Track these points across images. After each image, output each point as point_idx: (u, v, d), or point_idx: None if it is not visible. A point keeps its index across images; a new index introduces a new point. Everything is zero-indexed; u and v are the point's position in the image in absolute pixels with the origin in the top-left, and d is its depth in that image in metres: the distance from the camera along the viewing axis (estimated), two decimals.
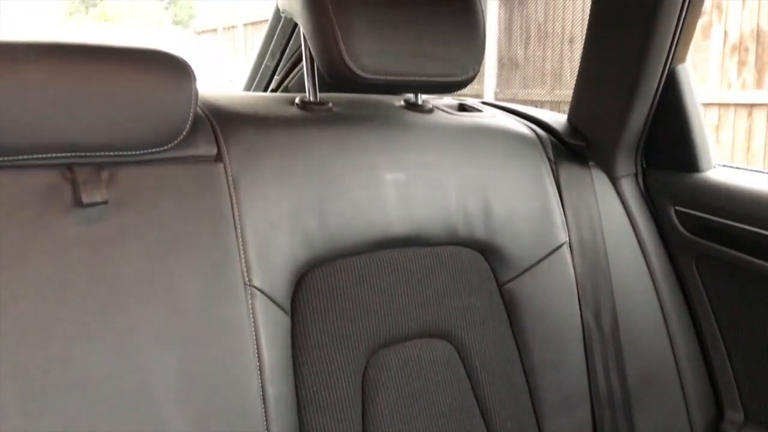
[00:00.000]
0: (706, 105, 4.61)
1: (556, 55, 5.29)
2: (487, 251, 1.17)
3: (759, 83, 4.39)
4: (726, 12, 4.48)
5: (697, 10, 1.14)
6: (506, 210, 1.17)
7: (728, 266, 1.17)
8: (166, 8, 21.24)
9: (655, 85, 1.19)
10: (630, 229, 1.26)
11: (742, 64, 4.45)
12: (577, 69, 1.30)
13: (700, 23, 4.55)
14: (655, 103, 1.21)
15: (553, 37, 5.27)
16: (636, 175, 1.29)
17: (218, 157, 0.98)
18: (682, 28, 1.13)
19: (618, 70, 1.19)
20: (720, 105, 4.56)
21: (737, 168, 1.25)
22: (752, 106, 4.42)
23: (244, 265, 0.94)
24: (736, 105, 4.49)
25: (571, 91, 1.32)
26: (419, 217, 1.11)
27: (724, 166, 1.25)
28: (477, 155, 1.18)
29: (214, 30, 11.64)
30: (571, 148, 1.29)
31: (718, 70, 4.55)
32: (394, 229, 1.09)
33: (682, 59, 1.19)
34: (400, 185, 1.10)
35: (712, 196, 1.18)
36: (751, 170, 1.24)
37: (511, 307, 1.18)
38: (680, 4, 1.09)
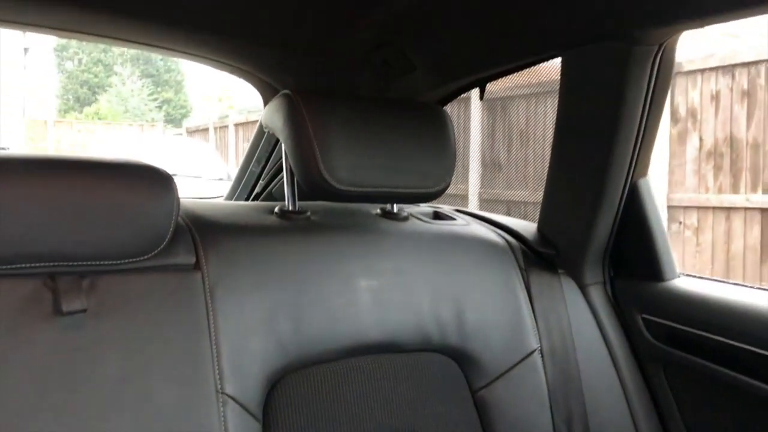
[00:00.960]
0: (686, 208, 4.70)
1: (537, 158, 5.38)
2: (461, 358, 1.19)
3: (735, 188, 4.49)
4: (700, 120, 4.62)
5: (654, 128, 1.21)
6: (479, 317, 1.20)
7: (695, 374, 1.19)
8: (159, 107, 21.69)
9: (618, 198, 1.24)
10: (599, 336, 1.29)
11: (718, 169, 4.56)
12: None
13: (677, 130, 4.68)
14: (620, 214, 1.27)
15: (534, 141, 5.38)
16: (604, 284, 1.33)
17: (197, 266, 1.01)
18: (641, 144, 1.20)
19: (583, 183, 1.25)
20: (699, 208, 4.64)
21: (701, 278, 1.29)
22: (730, 209, 4.50)
23: (217, 372, 0.95)
24: (714, 208, 4.57)
25: (535, 191, 1.37)
26: (393, 324, 1.13)
27: (688, 275, 1.30)
28: (450, 263, 1.22)
29: (206, 129, 11.89)
30: (541, 256, 1.33)
31: (695, 174, 4.66)
32: (369, 335, 1.11)
33: (644, 174, 1.25)
34: (374, 292, 1.13)
35: (678, 305, 1.22)
36: (715, 280, 1.29)
37: (483, 414, 1.19)
38: (638, 122, 1.16)
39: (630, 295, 1.30)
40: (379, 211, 1.30)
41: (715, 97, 4.55)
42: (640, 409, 1.26)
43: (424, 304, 1.16)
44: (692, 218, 4.70)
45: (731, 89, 4.46)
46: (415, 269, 1.18)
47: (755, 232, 4.41)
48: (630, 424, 1.25)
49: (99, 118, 18.29)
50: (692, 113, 4.65)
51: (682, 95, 4.72)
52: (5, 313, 0.87)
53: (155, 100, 21.58)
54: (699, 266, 4.68)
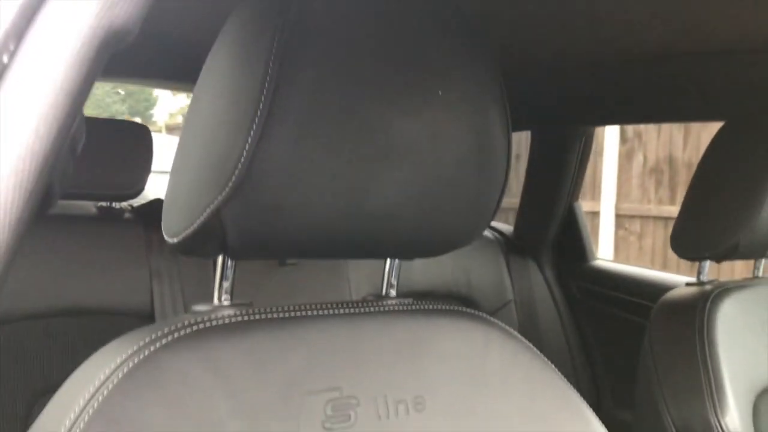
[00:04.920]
0: (631, 216, 5.12)
1: None
2: (466, 301, 2.00)
3: (672, 200, 4.92)
4: (644, 141, 5.05)
5: (581, 176, 2.06)
6: (479, 279, 2.02)
7: (605, 314, 2.04)
8: (124, 101, 21.48)
9: (561, 212, 2.09)
10: (549, 295, 2.13)
11: (658, 183, 5.00)
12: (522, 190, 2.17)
13: (625, 149, 5.13)
14: (562, 222, 2.11)
15: None
16: (553, 264, 2.18)
17: None
18: (575, 184, 2.05)
19: (542, 205, 2.09)
20: (642, 217, 5.08)
21: (607, 260, 2.15)
22: (667, 219, 4.88)
23: None
24: (655, 218, 5.00)
25: (517, 198, 2.20)
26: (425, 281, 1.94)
27: (600, 259, 2.15)
28: (465, 249, 2.03)
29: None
30: (516, 245, 2.17)
31: (639, 188, 5.10)
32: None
33: (576, 199, 2.11)
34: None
35: (595, 275, 2.08)
36: (614, 262, 2.15)
37: None
38: (572, 173, 2.01)
39: (568, 270, 2.16)
40: None
41: None
42: (573, 339, 2.10)
43: (448, 274, 1.97)
44: (636, 225, 5.12)
45: None
46: (442, 259, 1.98)
47: None
48: (566, 349, 2.09)
49: None
50: (638, 134, 5.07)
51: None
52: None
53: (118, 93, 21.18)
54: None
